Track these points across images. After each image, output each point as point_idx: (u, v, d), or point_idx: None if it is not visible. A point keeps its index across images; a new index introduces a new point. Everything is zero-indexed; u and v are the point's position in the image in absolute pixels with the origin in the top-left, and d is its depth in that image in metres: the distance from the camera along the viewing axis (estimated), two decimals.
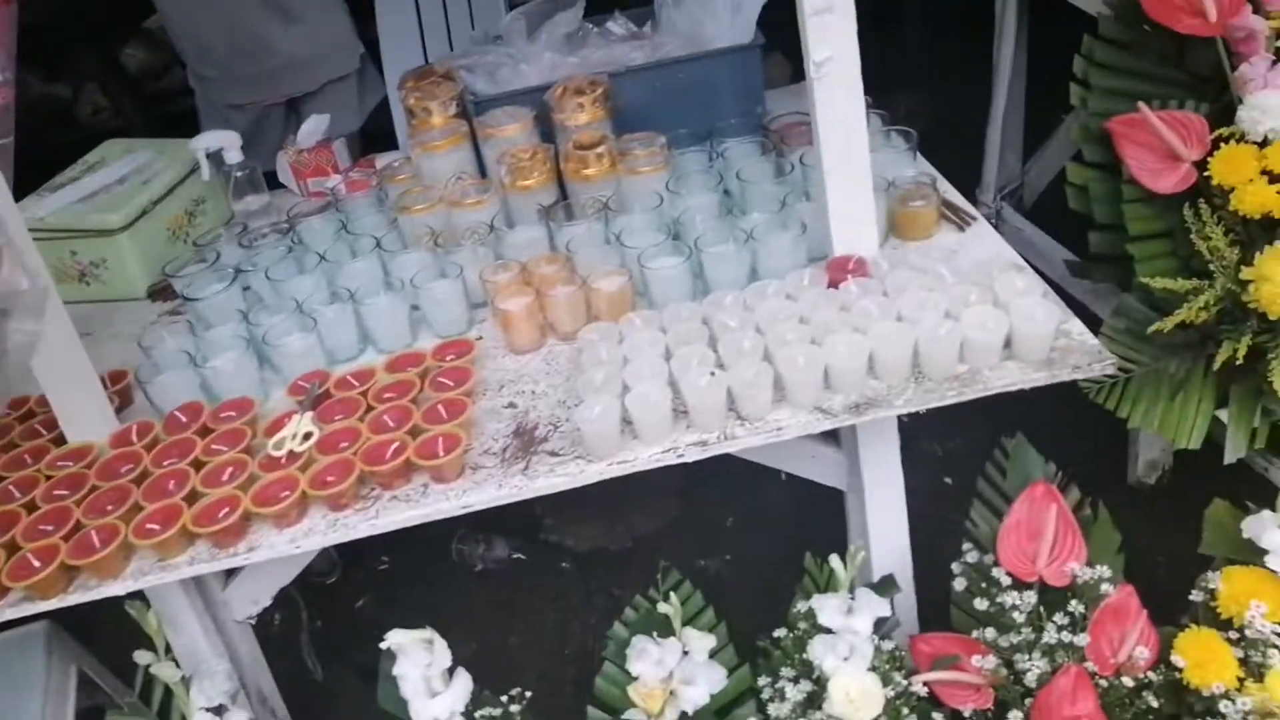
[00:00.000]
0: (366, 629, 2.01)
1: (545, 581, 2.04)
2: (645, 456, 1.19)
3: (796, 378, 1.19)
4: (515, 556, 2.05)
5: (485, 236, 1.51)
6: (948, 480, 2.04)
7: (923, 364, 1.23)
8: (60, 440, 1.33)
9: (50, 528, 1.19)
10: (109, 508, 1.20)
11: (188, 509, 1.17)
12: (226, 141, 1.82)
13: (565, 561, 2.06)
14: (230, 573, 1.50)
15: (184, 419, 1.32)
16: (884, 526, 1.55)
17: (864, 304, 1.26)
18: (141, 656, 1.39)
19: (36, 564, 1.14)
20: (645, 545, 2.07)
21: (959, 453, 2.10)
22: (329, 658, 1.95)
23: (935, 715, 1.38)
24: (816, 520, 1.95)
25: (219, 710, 1.42)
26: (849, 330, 1.23)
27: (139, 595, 1.36)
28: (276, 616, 1.96)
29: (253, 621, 1.58)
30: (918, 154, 1.60)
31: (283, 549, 1.17)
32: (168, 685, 1.42)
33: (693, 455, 1.19)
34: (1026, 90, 2.20)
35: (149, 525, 1.16)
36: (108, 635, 1.71)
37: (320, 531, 1.17)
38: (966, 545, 1.46)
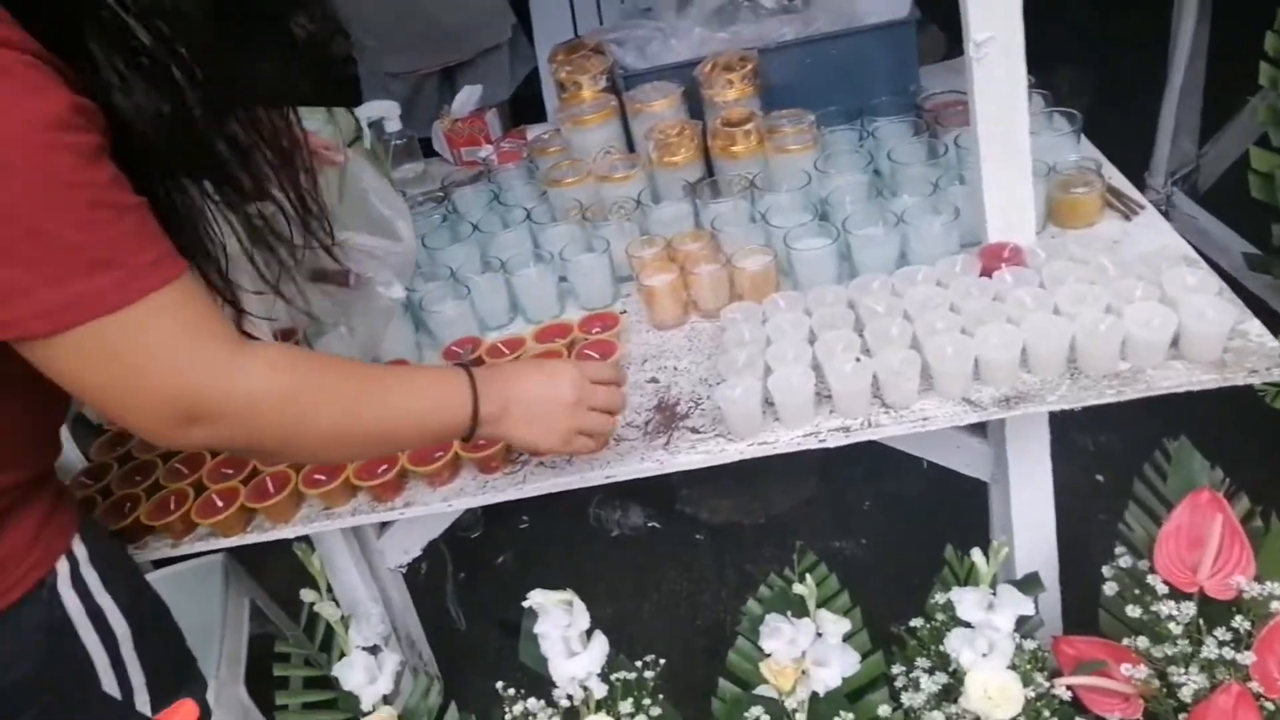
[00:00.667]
0: (506, 584, 2.11)
1: (679, 552, 2.07)
2: (786, 439, 1.20)
3: (945, 368, 1.17)
4: (651, 525, 2.09)
5: (631, 212, 1.54)
6: (1099, 478, 1.96)
7: (1080, 359, 1.19)
8: None
9: (231, 471, 1.30)
10: None
11: (351, 464, 1.25)
12: (387, 111, 1.90)
13: (699, 533, 2.09)
14: (385, 523, 1.59)
15: None
16: (1030, 522, 1.51)
17: (1019, 294, 1.23)
18: (307, 595, 1.49)
19: (220, 504, 1.24)
20: (779, 523, 2.08)
21: (1113, 449, 2.01)
22: (471, 609, 2.05)
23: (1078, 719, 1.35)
24: (956, 509, 1.92)
25: (374, 650, 1.52)
26: (1002, 321, 1.20)
27: (305, 540, 1.48)
28: (423, 567, 2.07)
29: (403, 570, 1.68)
30: (1082, 136, 1.53)
31: (436, 506, 1.24)
32: (329, 623, 1.53)
33: (835, 441, 1.19)
34: (1207, 67, 2.06)
35: (316, 476, 1.25)
36: (275, 573, 1.85)
37: (470, 492, 1.24)
38: (1120, 549, 1.41)
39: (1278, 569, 1.36)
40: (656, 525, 2.10)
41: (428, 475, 1.24)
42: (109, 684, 1.05)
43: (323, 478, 1.25)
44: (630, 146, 1.69)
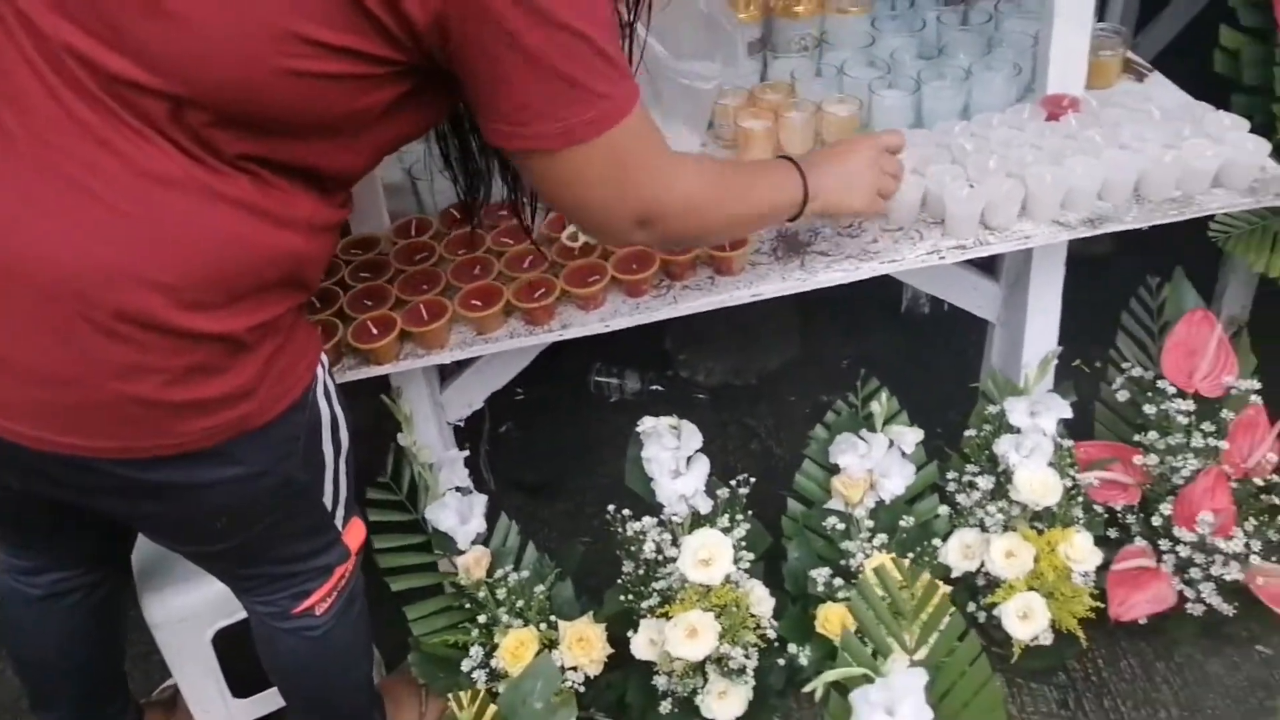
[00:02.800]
0: (515, 451, 2.16)
1: (681, 411, 2.15)
2: (911, 257, 1.34)
3: (1043, 193, 1.35)
4: (652, 388, 2.19)
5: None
6: None
7: (1143, 188, 1.39)
8: (344, 230, 1.42)
9: (370, 303, 1.29)
10: (424, 287, 1.31)
11: (506, 289, 1.28)
12: None
13: (699, 394, 2.21)
14: (444, 378, 1.62)
15: (457, 215, 1.42)
16: (1039, 353, 1.72)
17: (1089, 134, 1.42)
18: (403, 438, 1.51)
19: (375, 331, 1.25)
20: (769, 381, 2.23)
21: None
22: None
23: (1095, 508, 1.60)
24: (921, 362, 2.15)
25: (464, 491, 1.56)
26: (1083, 155, 1.38)
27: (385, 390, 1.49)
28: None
29: (462, 424, 1.71)
30: None
31: (594, 327, 1.29)
32: (412, 471, 1.56)
33: (952, 257, 1.34)
34: None
35: (472, 300, 1.28)
36: None
37: (625, 313, 1.30)
38: (1126, 363, 1.66)
39: (1247, 372, 1.65)
40: (659, 388, 2.20)
41: (583, 298, 1.29)
42: (328, 495, 1.07)
43: (478, 303, 1.28)
44: None
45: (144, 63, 0.81)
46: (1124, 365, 1.66)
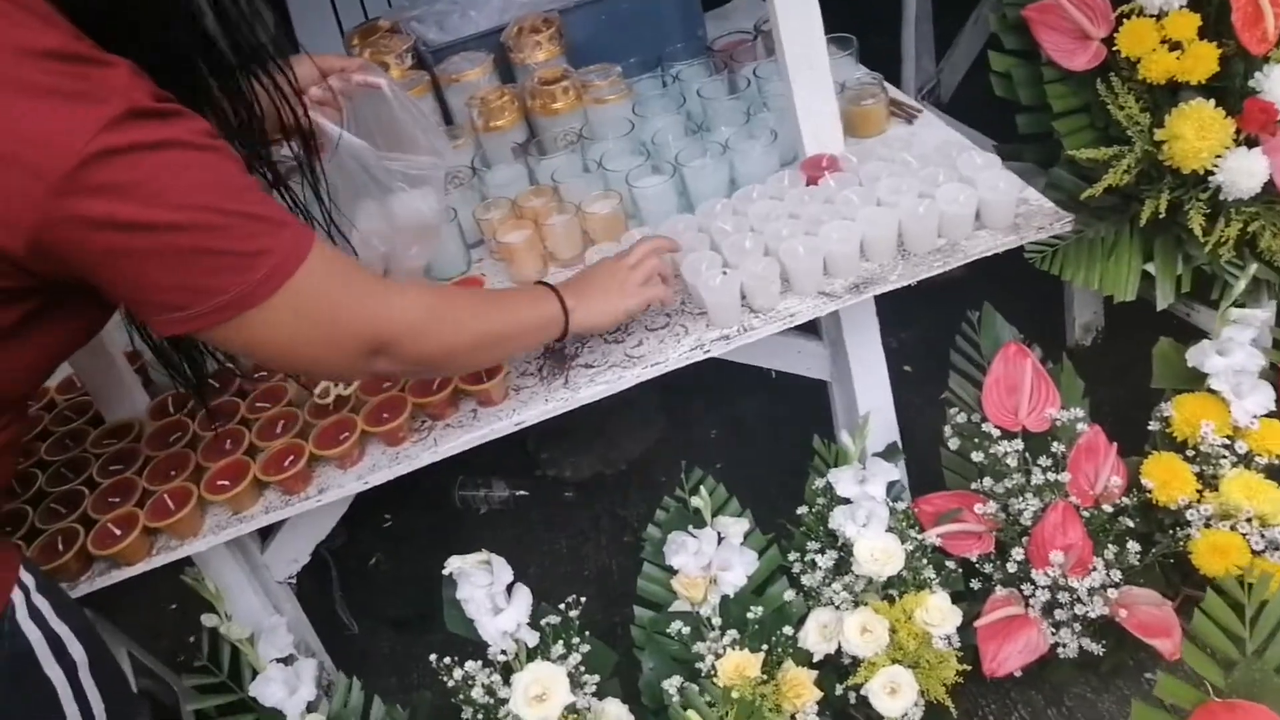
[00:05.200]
0: (385, 584, 2.09)
1: (551, 513, 2.13)
2: (674, 356, 1.29)
3: (800, 267, 1.31)
4: (518, 494, 2.13)
5: (469, 179, 1.58)
6: (907, 368, 2.20)
7: (906, 242, 1.36)
8: (97, 420, 1.36)
9: (118, 499, 1.23)
10: (172, 473, 1.25)
11: (253, 462, 1.23)
12: None
13: (567, 491, 2.15)
14: (265, 537, 1.55)
15: (217, 385, 1.37)
16: (873, 405, 1.68)
17: (846, 195, 1.38)
18: (208, 620, 1.44)
19: (118, 532, 1.18)
20: (639, 466, 2.18)
21: (911, 343, 2.26)
22: (355, 613, 2.01)
23: (948, 564, 1.54)
24: (791, 421, 2.10)
25: (288, 660, 1.49)
26: (839, 219, 1.35)
27: (178, 568, 1.42)
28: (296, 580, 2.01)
29: (293, 582, 1.64)
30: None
31: (352, 487, 1.24)
32: (233, 647, 1.48)
33: (717, 350, 1.30)
34: None
35: (220, 482, 1.22)
36: (129, 620, 1.75)
37: (384, 466, 1.25)
38: (953, 409, 1.61)
39: (1073, 399, 1.61)
40: (524, 493, 2.14)
41: (337, 457, 1.24)
42: (72, 714, 1.00)
43: (226, 482, 1.22)
44: (448, 118, 1.72)
45: None
46: (951, 411, 1.61)
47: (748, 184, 1.49)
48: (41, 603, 0.99)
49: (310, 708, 1.47)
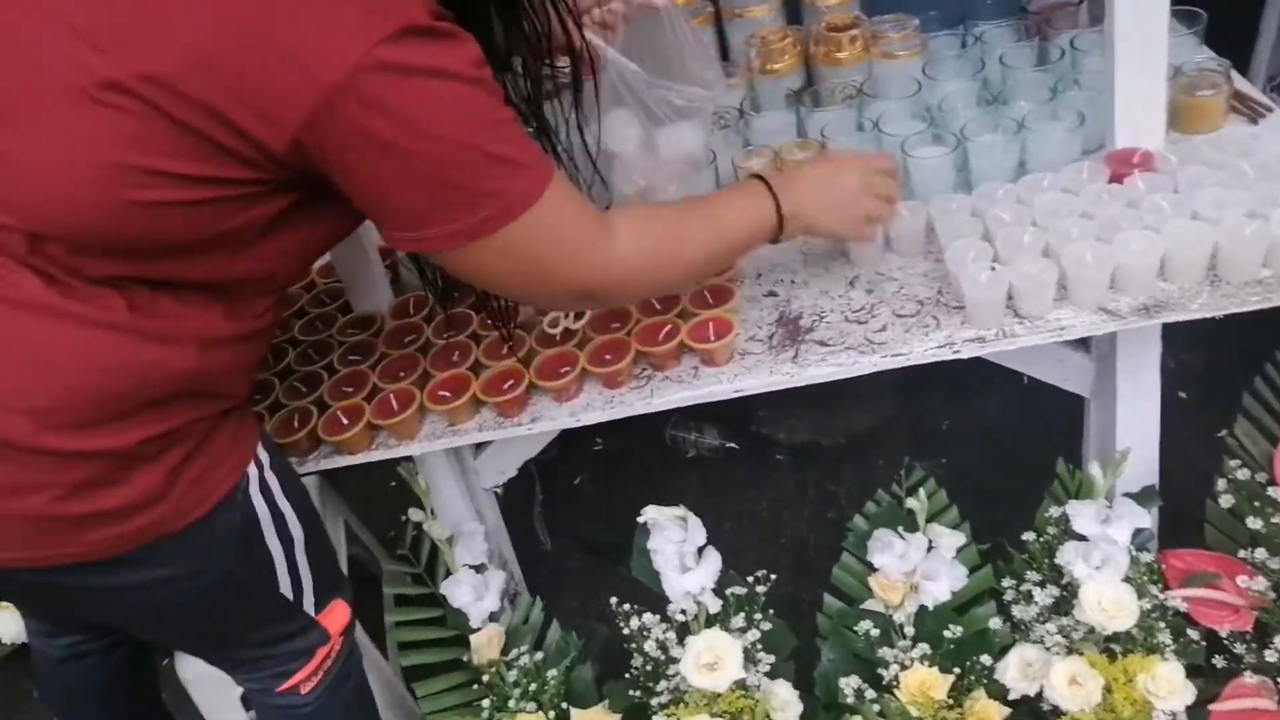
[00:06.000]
0: (585, 506, 2.12)
1: (758, 473, 2.07)
2: (919, 350, 1.18)
3: (1083, 276, 1.15)
4: (728, 446, 2.09)
5: (734, 121, 1.51)
6: (1182, 395, 1.95)
7: (1220, 267, 1.16)
8: (346, 309, 1.43)
9: (350, 389, 1.29)
10: (401, 374, 1.29)
11: (475, 379, 1.24)
12: None
13: (778, 453, 2.09)
14: (480, 444, 1.59)
15: (457, 294, 1.39)
16: (1135, 437, 1.49)
17: (1155, 200, 1.20)
18: (415, 514, 1.50)
19: (345, 421, 1.24)
20: (858, 443, 2.07)
21: (1194, 366, 1.99)
22: (552, 530, 2.06)
23: (1191, 633, 1.35)
24: (1036, 430, 1.91)
25: (480, 568, 1.53)
26: (1139, 227, 1.17)
27: (407, 459, 1.48)
28: (502, 489, 2.08)
29: (499, 491, 1.68)
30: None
31: (564, 421, 1.23)
32: (433, 543, 1.55)
33: (969, 351, 1.18)
34: None
35: (441, 392, 1.25)
36: (355, 495, 1.87)
37: (599, 407, 1.23)
38: (1234, 461, 1.40)
39: None
40: (734, 446, 2.09)
41: (554, 390, 1.23)
42: (285, 585, 1.08)
43: (447, 394, 1.24)
44: (725, 54, 1.65)
45: None
46: (1231, 464, 1.40)
47: (1040, 170, 1.32)
48: (272, 479, 1.05)
49: (493, 617, 1.51)
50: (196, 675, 1.48)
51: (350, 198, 0.89)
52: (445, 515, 1.60)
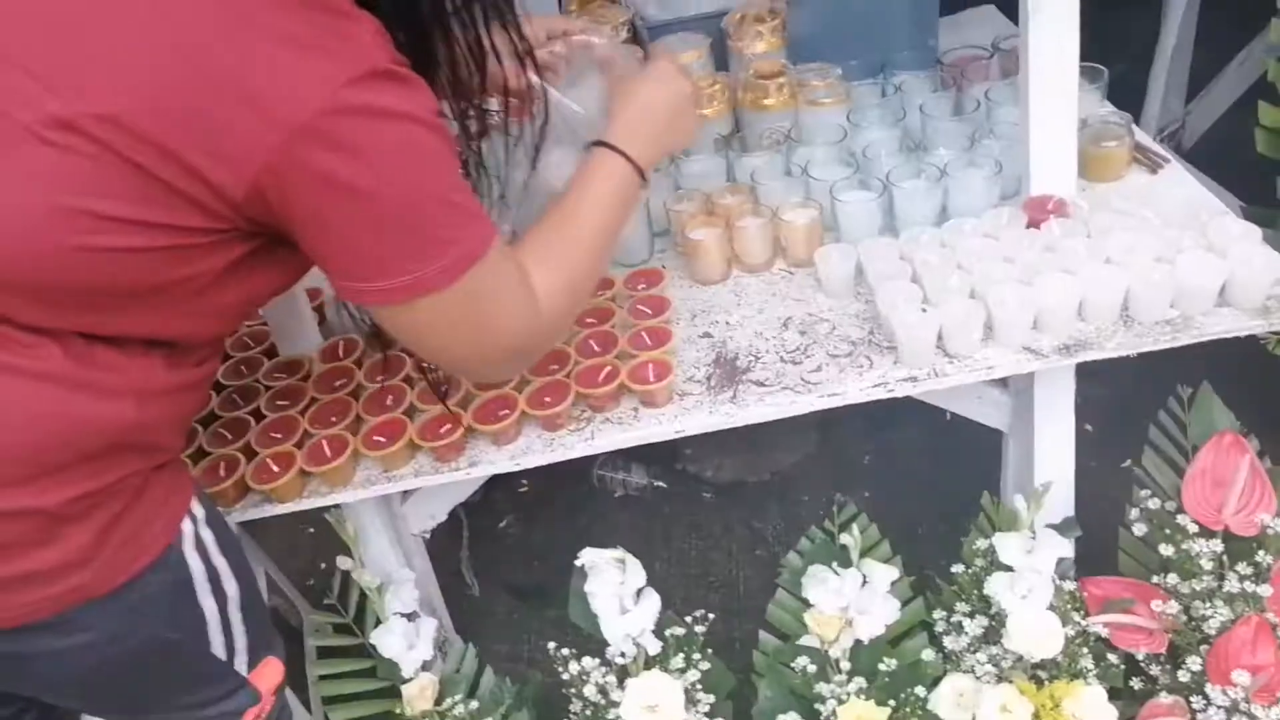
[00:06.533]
0: (512, 549, 2.09)
1: (685, 511, 2.08)
2: (854, 390, 1.21)
3: (1007, 318, 1.20)
4: (656, 485, 2.09)
5: (665, 165, 1.53)
6: (1088, 427, 2.03)
7: (1132, 308, 1.23)
8: (272, 352, 1.39)
9: (279, 435, 1.25)
10: (333, 419, 1.26)
11: (411, 423, 1.22)
12: None
13: (705, 492, 2.10)
14: (408, 490, 1.56)
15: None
16: (1052, 470, 1.55)
17: (1071, 245, 1.26)
18: (343, 562, 1.46)
19: (275, 469, 1.20)
20: (783, 479, 2.10)
21: (1098, 400, 2.09)
22: (478, 574, 2.03)
23: (1110, 656, 1.40)
24: (953, 461, 1.97)
25: (411, 616, 1.50)
26: (1058, 271, 1.23)
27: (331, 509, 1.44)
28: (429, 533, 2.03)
29: (427, 536, 1.65)
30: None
31: (503, 465, 1.22)
32: (361, 591, 1.50)
33: (902, 390, 1.21)
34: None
35: (376, 437, 1.22)
36: (271, 547, 1.80)
37: (538, 450, 1.22)
38: (1144, 491, 1.47)
39: None
40: (663, 485, 2.10)
41: (493, 434, 1.22)
42: (217, 645, 1.04)
43: (383, 439, 1.22)
44: None
45: None
46: (1141, 494, 1.46)
47: (961, 215, 1.38)
48: (207, 536, 1.01)
49: (425, 666, 1.48)
50: None
51: (301, 245, 0.87)
52: (373, 563, 1.56)
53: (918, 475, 2.03)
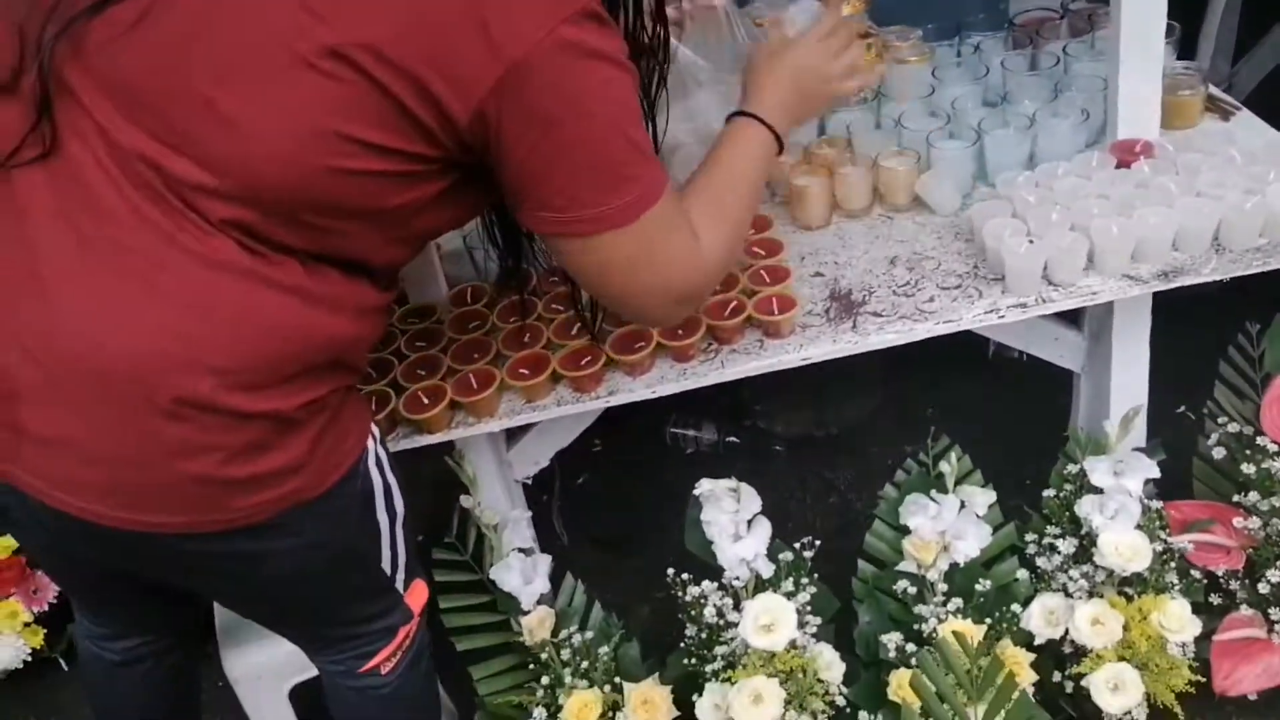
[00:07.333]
0: (590, 504, 2.17)
1: (757, 464, 2.15)
2: (968, 317, 1.29)
3: (1109, 247, 1.29)
4: (729, 440, 2.17)
5: None
6: None
7: (1223, 237, 1.31)
8: (401, 299, 1.47)
9: (424, 372, 1.33)
10: (475, 355, 1.33)
11: (553, 356, 1.30)
12: None
13: (777, 445, 2.18)
14: (512, 436, 1.64)
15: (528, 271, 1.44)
16: (1127, 405, 1.63)
17: (1163, 181, 1.34)
18: (466, 501, 1.54)
19: (426, 401, 1.28)
20: (850, 433, 2.18)
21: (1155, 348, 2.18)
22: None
23: (1193, 572, 1.49)
24: (1014, 414, 2.06)
25: (527, 552, 1.57)
26: (1153, 204, 1.31)
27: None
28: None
29: (529, 482, 1.72)
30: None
31: (639, 394, 1.29)
32: (478, 529, 1.58)
33: (1013, 316, 1.29)
34: None
35: (520, 369, 1.30)
36: None
37: (672, 379, 1.30)
38: (1222, 419, 1.56)
39: None
40: (734, 440, 2.17)
41: (628, 365, 1.30)
42: (386, 560, 1.10)
43: (526, 371, 1.30)
44: None
45: (204, 165, 0.86)
46: (1220, 420, 1.55)
47: (1049, 161, 1.46)
48: (383, 453, 1.08)
49: (541, 599, 1.55)
50: (244, 674, 1.48)
51: (504, 175, 0.92)
52: (487, 504, 1.64)
53: (979, 427, 2.11)
